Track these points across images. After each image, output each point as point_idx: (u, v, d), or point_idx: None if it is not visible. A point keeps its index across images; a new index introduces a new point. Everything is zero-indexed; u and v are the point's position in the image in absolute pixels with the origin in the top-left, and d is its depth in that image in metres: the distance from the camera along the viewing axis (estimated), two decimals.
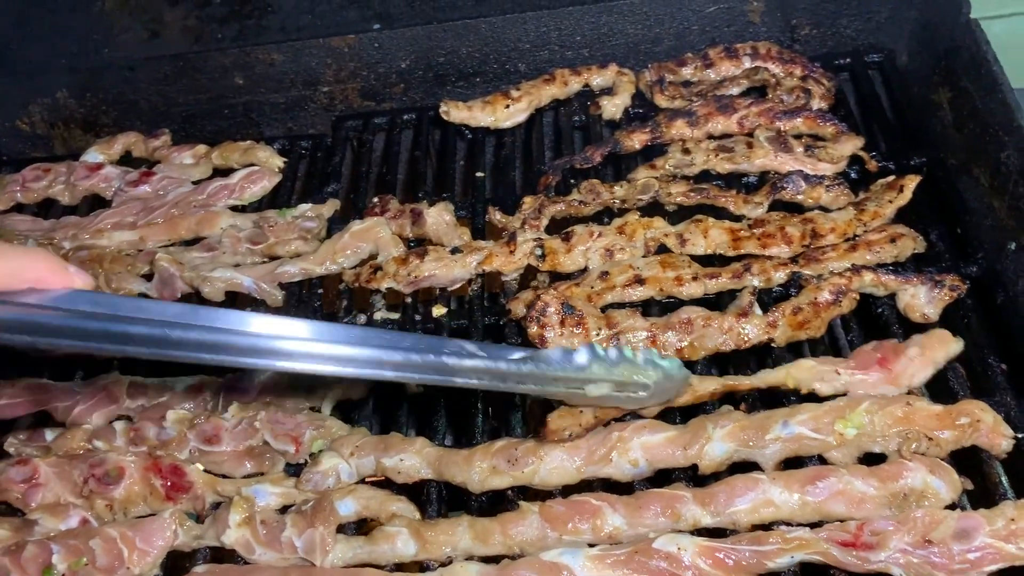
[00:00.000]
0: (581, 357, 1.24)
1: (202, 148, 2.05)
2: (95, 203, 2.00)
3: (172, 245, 1.86)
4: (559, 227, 1.73)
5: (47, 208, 2.02)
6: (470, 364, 1.18)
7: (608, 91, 1.99)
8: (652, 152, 1.84)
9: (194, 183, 1.98)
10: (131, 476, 1.45)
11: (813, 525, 1.26)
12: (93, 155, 2.08)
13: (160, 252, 1.77)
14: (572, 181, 1.83)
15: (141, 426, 1.52)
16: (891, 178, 1.66)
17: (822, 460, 1.34)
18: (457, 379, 1.18)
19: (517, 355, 1.21)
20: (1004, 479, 1.30)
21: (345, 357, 1.12)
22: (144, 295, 1.76)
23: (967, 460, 1.33)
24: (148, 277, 1.78)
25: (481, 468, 1.38)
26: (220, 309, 1.13)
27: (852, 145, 1.74)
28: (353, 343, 1.12)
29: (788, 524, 1.27)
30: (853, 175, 1.75)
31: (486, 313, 1.66)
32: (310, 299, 1.72)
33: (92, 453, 1.50)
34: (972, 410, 1.31)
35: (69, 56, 2.15)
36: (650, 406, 1.38)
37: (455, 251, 1.69)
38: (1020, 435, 1.32)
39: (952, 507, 1.25)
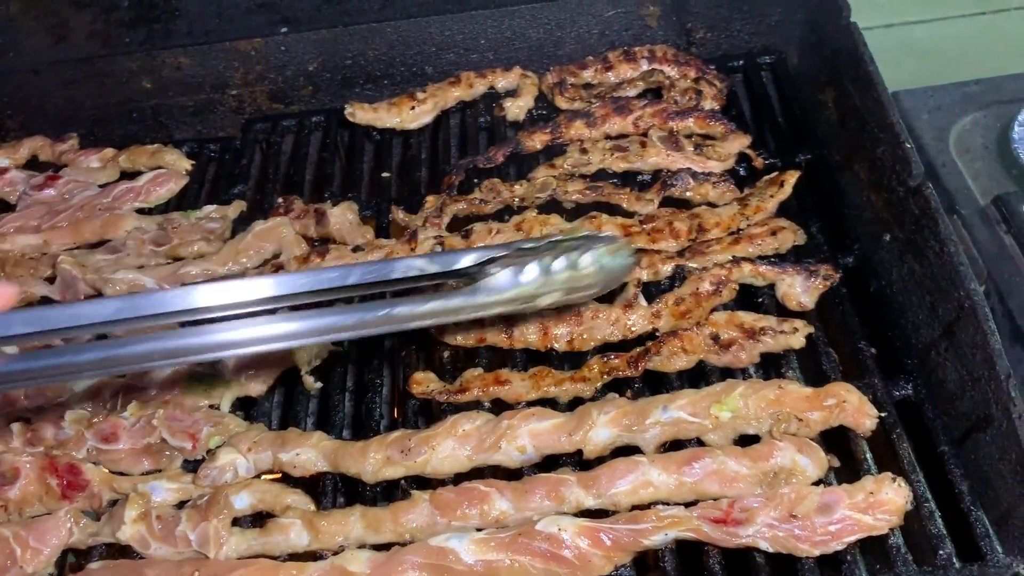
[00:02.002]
0: (529, 275, 1.27)
1: (109, 152, 2.05)
2: None
3: (77, 248, 1.86)
4: (461, 225, 1.77)
5: None
6: (423, 309, 1.24)
7: (512, 93, 2.04)
8: (552, 152, 1.89)
9: (101, 187, 1.98)
10: (26, 476, 1.45)
11: (690, 504, 1.32)
12: None
13: (63, 255, 1.77)
14: (476, 181, 1.87)
15: (39, 427, 1.53)
16: (774, 174, 1.74)
17: (701, 443, 1.40)
18: (412, 324, 1.26)
19: (468, 292, 1.27)
20: (869, 456, 1.38)
21: (301, 331, 1.17)
22: (47, 299, 1.76)
23: (837, 439, 1.40)
24: (51, 280, 1.78)
25: (375, 459, 1.42)
26: (159, 292, 1.17)
27: (739, 143, 1.81)
28: (309, 316, 1.18)
29: (666, 504, 1.33)
30: (742, 172, 1.82)
31: None
32: None
33: None
34: (838, 391, 1.39)
35: None
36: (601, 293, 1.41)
37: (356, 249, 1.72)
38: (884, 414, 1.39)
39: (819, 484, 1.32)
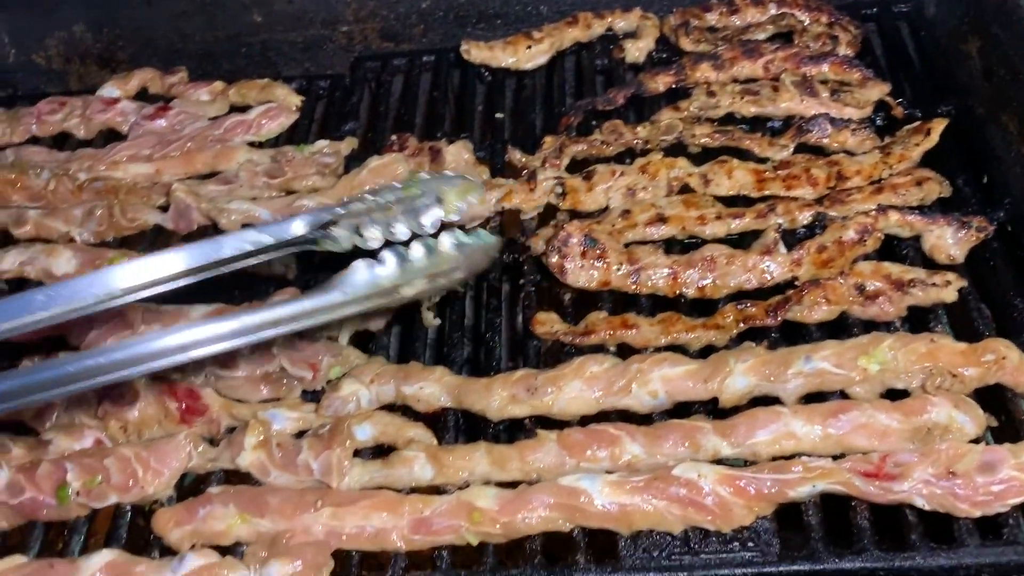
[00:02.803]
0: (387, 269, 1.26)
1: (219, 85, 2.03)
2: (110, 137, 1.99)
3: (188, 179, 1.85)
4: (579, 168, 1.71)
5: (62, 142, 2.01)
6: (274, 314, 1.22)
7: (631, 35, 1.97)
8: (676, 95, 1.82)
9: (210, 119, 1.96)
10: (146, 399, 1.44)
11: (834, 458, 1.24)
12: (110, 90, 2.06)
13: (176, 184, 1.76)
14: (594, 123, 1.80)
15: None
16: (918, 123, 1.64)
17: (844, 396, 1.33)
18: (269, 331, 1.24)
19: (324, 290, 1.25)
20: None
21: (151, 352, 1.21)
22: (160, 227, 1.75)
23: (991, 398, 1.31)
24: (164, 208, 1.76)
25: (501, 396, 1.37)
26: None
27: (878, 91, 1.72)
28: (164, 334, 1.22)
29: (808, 456, 1.26)
30: (879, 121, 1.73)
31: (503, 252, 1.64)
32: None
33: None
34: (997, 348, 1.30)
35: None
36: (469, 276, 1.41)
37: None
38: None
39: (976, 442, 1.24)
